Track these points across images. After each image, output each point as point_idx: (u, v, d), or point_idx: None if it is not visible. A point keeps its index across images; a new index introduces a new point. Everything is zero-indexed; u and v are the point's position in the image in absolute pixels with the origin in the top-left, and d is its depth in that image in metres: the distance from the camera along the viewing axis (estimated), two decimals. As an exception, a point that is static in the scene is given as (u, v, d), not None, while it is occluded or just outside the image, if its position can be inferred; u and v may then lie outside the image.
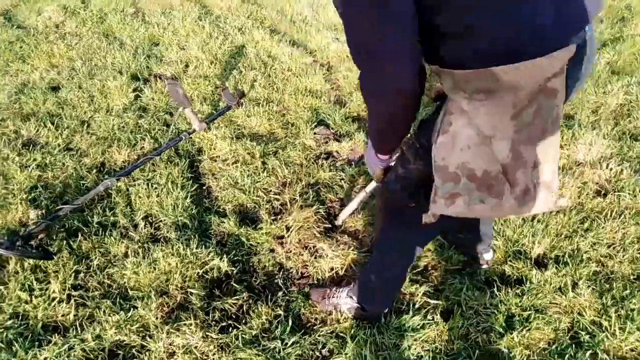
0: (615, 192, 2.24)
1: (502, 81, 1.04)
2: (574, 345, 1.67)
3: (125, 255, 2.02)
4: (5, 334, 1.69)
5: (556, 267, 1.91)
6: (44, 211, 2.20)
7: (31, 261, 1.94)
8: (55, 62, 3.47)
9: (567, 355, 1.62)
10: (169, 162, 2.50)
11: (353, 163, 2.53)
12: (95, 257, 1.98)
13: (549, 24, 1.03)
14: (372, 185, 1.94)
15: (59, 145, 2.62)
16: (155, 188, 2.33)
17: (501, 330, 1.71)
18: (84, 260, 1.98)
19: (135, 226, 2.16)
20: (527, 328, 1.70)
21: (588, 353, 1.62)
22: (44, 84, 3.19)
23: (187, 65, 3.43)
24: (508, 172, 1.14)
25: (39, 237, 2.06)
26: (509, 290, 1.83)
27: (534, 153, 1.12)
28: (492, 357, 1.65)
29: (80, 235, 2.08)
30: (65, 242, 2.05)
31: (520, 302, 1.79)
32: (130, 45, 3.69)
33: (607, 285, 1.85)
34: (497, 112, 1.09)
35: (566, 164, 2.42)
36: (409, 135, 1.35)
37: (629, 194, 2.21)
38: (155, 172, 2.44)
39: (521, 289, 1.83)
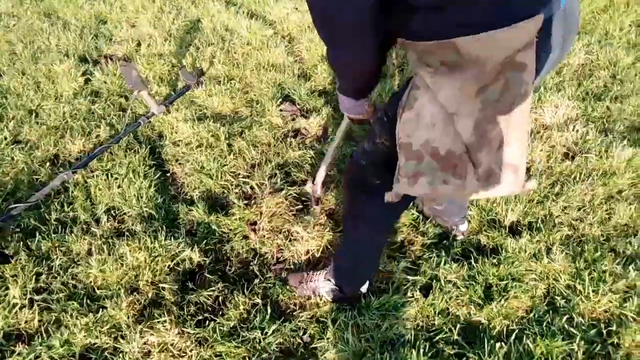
0: (582, 154, 2.27)
1: (465, 54, 0.98)
2: (550, 312, 1.69)
3: (89, 252, 1.90)
4: (-38, 348, 1.58)
5: (530, 234, 1.92)
6: (-6, 212, 2.05)
7: (-15, 267, 1.81)
8: (-8, 46, 3.19)
9: (544, 322, 1.65)
10: (128, 150, 2.36)
11: (322, 140, 2.46)
12: (57, 257, 1.87)
13: None
14: (339, 136, 1.80)
15: (5, 138, 2.43)
16: (116, 179, 2.20)
17: (480, 302, 1.72)
18: (44, 261, 1.86)
19: (97, 221, 2.04)
20: (505, 298, 1.71)
21: (565, 318, 1.66)
22: (-18, 71, 2.93)
23: (139, 44, 3.22)
24: (471, 152, 1.09)
25: (-8, 240, 1.92)
26: (486, 261, 1.83)
27: (500, 132, 1.07)
28: (472, 330, 1.66)
29: (38, 234, 1.94)
30: (22, 243, 1.91)
31: (497, 271, 1.80)
32: (75, 25, 3.43)
33: (579, 249, 1.88)
34: (460, 87, 1.04)
35: (534, 128, 2.43)
36: (378, 107, 1.30)
37: (595, 155, 2.24)
38: (114, 161, 2.30)
39: (497, 258, 1.84)
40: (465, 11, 0.99)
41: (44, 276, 1.82)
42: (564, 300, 1.72)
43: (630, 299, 1.69)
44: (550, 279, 1.79)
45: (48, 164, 2.30)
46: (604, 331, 1.62)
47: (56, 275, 1.83)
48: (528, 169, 2.22)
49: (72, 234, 1.95)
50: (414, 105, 1.11)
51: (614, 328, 1.63)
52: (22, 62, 3.00)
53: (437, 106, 1.08)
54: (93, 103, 2.69)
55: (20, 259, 1.85)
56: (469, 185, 1.14)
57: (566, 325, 1.63)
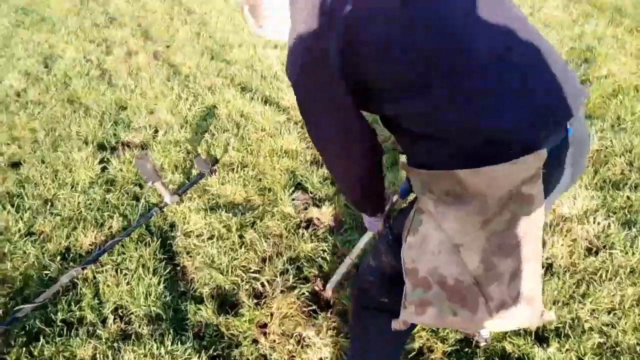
0: (606, 249, 2.18)
1: (467, 186, 0.97)
2: None
3: (93, 358, 1.82)
4: None
5: (558, 341, 1.80)
6: (1, 311, 2.00)
7: (-17, 377, 1.74)
8: (16, 134, 3.30)
9: None
10: (139, 242, 2.34)
11: (335, 231, 2.42)
12: (59, 364, 1.79)
13: (516, 126, 0.97)
14: (359, 246, 1.86)
15: (19, 230, 2.43)
16: (125, 274, 2.16)
17: (509, 422, 1.58)
18: (45, 370, 1.78)
19: (104, 321, 1.98)
20: (536, 417, 1.57)
21: None
22: (4, 160, 3.01)
23: (156, 131, 3.31)
24: (481, 284, 1.04)
25: (-5, 343, 1.86)
26: (512, 373, 1.71)
27: (510, 264, 1.03)
28: None
29: (42, 337, 1.88)
30: (24, 348, 1.85)
31: (525, 385, 1.67)
32: (96, 111, 3.56)
33: (615, 359, 1.75)
34: (465, 218, 1.02)
35: (552, 219, 2.36)
36: (383, 225, 1.28)
37: (620, 251, 2.15)
38: (124, 254, 2.27)
39: (525, 370, 1.72)
40: (464, 143, 0.99)
41: (44, 386, 1.74)
42: (602, 422, 1.57)
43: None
44: (584, 396, 1.65)
45: (59, 258, 2.28)
46: None
47: (57, 384, 1.74)
48: (550, 266, 2.13)
49: (77, 338, 1.88)
50: (419, 230, 1.09)
51: None
52: (43, 150, 3.09)
53: (443, 234, 1.05)
54: (108, 192, 2.71)
55: (22, 367, 1.78)
56: (480, 318, 1.07)
57: None
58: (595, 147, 2.89)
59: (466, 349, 1.83)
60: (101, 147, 3.15)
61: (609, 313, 1.92)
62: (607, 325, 1.88)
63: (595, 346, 1.79)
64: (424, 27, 0.97)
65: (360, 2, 0.99)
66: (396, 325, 1.18)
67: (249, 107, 3.53)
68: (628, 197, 2.48)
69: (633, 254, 2.12)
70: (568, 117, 1.00)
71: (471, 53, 0.97)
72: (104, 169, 2.93)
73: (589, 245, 2.24)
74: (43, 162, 2.98)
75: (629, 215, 2.38)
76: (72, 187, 2.76)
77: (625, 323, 1.86)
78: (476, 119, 0.97)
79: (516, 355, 1.80)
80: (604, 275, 2.05)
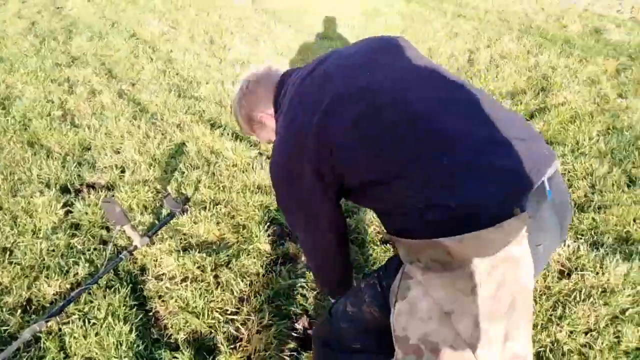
0: (578, 270, 2.24)
1: (454, 253, 0.98)
2: None
3: (59, 420, 1.69)
4: None
5: (541, 367, 1.81)
6: (-47, 374, 1.84)
7: None
8: (-29, 180, 3.14)
9: None
10: (108, 289, 2.23)
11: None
12: None
13: (498, 190, 1.01)
14: None
15: (-26, 283, 2.28)
16: (94, 324, 2.04)
17: None
18: None
19: (71, 378, 1.85)
20: None
21: None
22: (-42, 207, 2.84)
23: (123, 171, 3.22)
24: (475, 349, 1.02)
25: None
26: (499, 403, 1.69)
27: (502, 327, 1.02)
28: None
29: (1, 401, 1.73)
30: (-19, 414, 1.69)
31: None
32: (58, 153, 3.44)
33: (595, 381, 1.76)
34: (454, 285, 1.01)
35: (525, 244, 2.41)
36: (374, 274, 1.26)
37: (591, 271, 2.21)
38: (92, 303, 2.15)
39: (511, 399, 1.70)
40: (439, 212, 1.00)
41: None
42: None
43: None
44: (571, 421, 1.65)
45: (19, 311, 2.14)
46: None
47: None
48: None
49: (41, 398, 1.75)
50: (407, 296, 1.07)
51: None
52: (1, 196, 2.94)
53: (431, 302, 1.03)
54: (72, 237, 2.59)
55: None
56: None
57: None
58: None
59: None
60: (64, 190, 3.03)
61: (586, 334, 1.95)
62: (585, 346, 1.90)
63: (577, 369, 1.81)
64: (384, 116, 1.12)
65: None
66: None
67: (219, 144, 3.50)
68: (593, 219, 2.57)
69: (603, 274, 2.19)
70: (543, 174, 1.04)
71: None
72: (67, 213, 2.80)
73: (562, 268, 2.29)
74: (1, 208, 2.83)
75: (595, 237, 2.47)
76: (34, 234, 2.62)
77: (602, 343, 1.90)
78: (445, 194, 1.01)
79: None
80: (577, 296, 2.10)
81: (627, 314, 2.02)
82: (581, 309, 2.03)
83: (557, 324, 1.98)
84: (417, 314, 1.05)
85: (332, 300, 1.58)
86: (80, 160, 3.36)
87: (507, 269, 0.99)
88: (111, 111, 4.02)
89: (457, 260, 0.98)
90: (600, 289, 2.12)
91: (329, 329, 1.33)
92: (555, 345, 1.91)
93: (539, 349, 1.90)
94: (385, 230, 1.17)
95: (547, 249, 1.11)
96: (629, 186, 2.83)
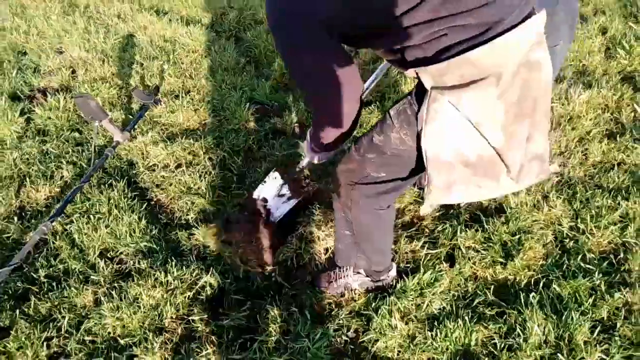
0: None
1: (480, 65, 1.02)
2: (565, 254, 1.82)
3: (97, 302, 1.76)
4: None
5: (527, 189, 2.04)
6: (-29, 284, 1.82)
7: (-18, 346, 1.61)
8: None
9: (563, 266, 1.77)
10: (103, 186, 2.18)
11: (302, 136, 2.43)
12: (62, 316, 1.70)
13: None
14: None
15: (-47, 200, 2.15)
16: (100, 218, 2.03)
17: (502, 260, 1.80)
18: (50, 324, 1.69)
19: (93, 267, 1.88)
20: (522, 250, 1.81)
21: (579, 257, 1.78)
22: None
23: (73, 71, 2.97)
24: (503, 154, 1.14)
25: (-23, 315, 1.71)
26: (495, 221, 1.92)
27: (526, 128, 1.12)
28: (503, 287, 1.75)
29: (32, 297, 1.76)
30: (16, 310, 1.72)
31: (508, 229, 1.89)
32: (-9, 61, 3.08)
33: (571, 191, 2.03)
34: (482, 97, 1.07)
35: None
36: (404, 99, 1.29)
37: (558, 102, 2.41)
38: (89, 201, 2.12)
39: (504, 216, 1.94)
40: (463, 31, 1.02)
41: (55, 340, 1.65)
42: (572, 241, 1.86)
43: (628, 227, 1.86)
44: (555, 225, 1.92)
45: (15, 219, 2.08)
46: (615, 261, 1.77)
47: (68, 335, 1.67)
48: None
49: (72, 288, 1.78)
50: (435, 119, 1.12)
51: (621, 255, 1.78)
52: (-57, 113, 2.66)
53: (460, 117, 1.10)
54: (44, 143, 2.45)
55: (20, 328, 1.67)
56: (503, 185, 1.19)
57: (582, 264, 1.76)
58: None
59: (451, 211, 2.02)
60: (15, 98, 2.78)
61: (560, 155, 2.19)
62: (560, 165, 2.15)
63: (555, 184, 2.06)
64: None
65: None
66: (424, 210, 1.26)
67: (170, 31, 3.25)
68: (554, 58, 2.73)
69: (569, 103, 2.39)
70: None
71: None
72: (28, 121, 2.61)
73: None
74: (-50, 125, 2.58)
75: (558, 72, 2.64)
76: (0, 146, 2.45)
77: (574, 161, 2.15)
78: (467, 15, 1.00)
79: (493, 206, 2.02)
80: (549, 126, 2.30)
81: (591, 134, 2.27)
82: (553, 136, 2.25)
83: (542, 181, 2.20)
84: (447, 133, 1.13)
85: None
86: (19, 66, 3.04)
87: (529, 73, 1.06)
88: (34, 9, 3.56)
89: (484, 72, 1.04)
90: (567, 117, 2.34)
91: (355, 164, 1.40)
92: (534, 169, 2.14)
93: (522, 174, 2.12)
94: (404, 67, 1.19)
95: (562, 49, 1.19)
96: (581, 23, 2.98)
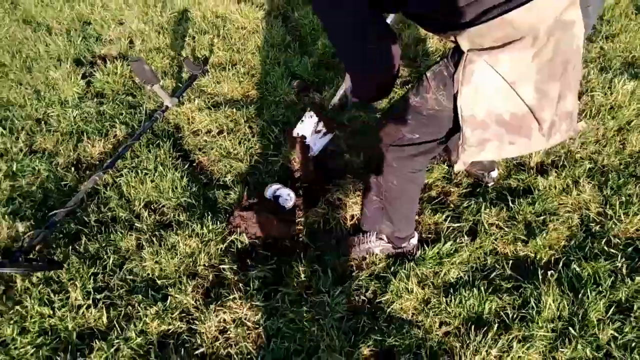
0: (588, 92, 2.40)
1: (518, 26, 1.07)
2: (589, 237, 1.82)
3: (139, 247, 1.93)
4: (39, 352, 1.60)
5: (556, 172, 2.05)
6: (32, 221, 2.04)
7: (40, 274, 1.82)
8: (-22, 61, 3.09)
9: (586, 247, 1.78)
10: (151, 145, 2.36)
11: (343, 110, 2.51)
12: (108, 257, 1.88)
13: None
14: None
15: (20, 150, 2.39)
16: (146, 173, 2.21)
17: (524, 238, 1.83)
18: (97, 262, 1.87)
19: (139, 217, 2.06)
20: (546, 231, 1.83)
21: (603, 241, 1.79)
22: (-24, 87, 2.85)
23: (131, 41, 3.18)
24: (535, 112, 1.18)
25: (37, 248, 1.91)
26: (522, 201, 1.95)
27: (558, 87, 1.16)
28: (522, 264, 1.78)
29: (83, 237, 1.95)
30: (69, 248, 1.92)
31: (533, 209, 1.92)
32: (59, 29, 3.35)
33: (603, 179, 2.01)
34: (518, 57, 1.12)
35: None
36: (440, 62, 1.33)
37: (600, 92, 2.37)
38: (139, 157, 2.30)
39: (531, 197, 1.96)
40: None
41: (100, 276, 1.84)
42: (599, 226, 1.86)
43: (658, 216, 1.84)
44: (583, 209, 1.92)
45: (72, 169, 2.29)
46: (641, 247, 1.77)
47: (112, 273, 1.85)
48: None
49: (117, 232, 1.96)
50: (471, 80, 1.18)
51: (649, 243, 1.77)
52: (15, 73, 2.92)
53: (496, 77, 1.15)
54: (101, 104, 2.66)
55: (72, 263, 1.86)
56: (534, 141, 1.24)
57: (606, 248, 1.77)
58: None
59: (477, 189, 2.05)
60: (78, 62, 3.02)
61: (596, 144, 2.17)
62: (595, 153, 2.13)
63: (587, 170, 2.05)
64: None
65: None
66: (458, 167, 1.33)
67: (222, 8, 3.40)
68: (601, 48, 2.67)
69: (612, 93, 2.35)
70: None
71: None
72: (88, 83, 2.83)
73: (572, 92, 2.45)
74: (20, 84, 2.84)
75: (604, 63, 2.59)
76: (62, 105, 2.68)
77: (610, 149, 2.12)
78: None
79: (522, 188, 2.04)
80: (588, 114, 2.28)
81: (632, 124, 2.23)
82: (591, 124, 2.22)
83: (570, 138, 2.18)
84: (482, 93, 1.18)
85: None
86: (84, 34, 3.28)
87: (563, 33, 1.10)
88: (100, -17, 3.80)
89: (521, 32, 1.08)
90: (608, 106, 2.30)
91: (391, 126, 1.47)
92: (568, 155, 2.13)
93: (554, 159, 2.13)
94: (444, 31, 1.22)
95: (594, 9, 1.21)
96: (636, 14, 2.89)
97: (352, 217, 2.00)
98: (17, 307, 1.72)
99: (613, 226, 1.84)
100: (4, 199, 2.13)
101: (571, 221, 1.87)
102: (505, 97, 1.17)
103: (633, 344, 1.50)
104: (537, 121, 1.21)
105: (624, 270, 1.68)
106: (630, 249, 1.76)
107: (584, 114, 2.28)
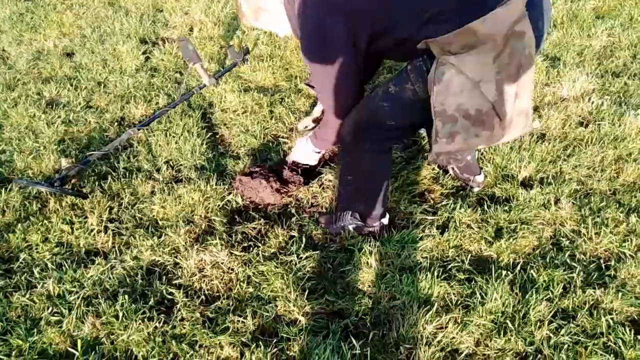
0: (596, 122, 2.44)
1: (479, 34, 1.29)
2: (555, 249, 1.89)
3: (152, 193, 2.23)
4: (54, 258, 1.92)
5: (540, 187, 2.12)
6: (73, 160, 2.41)
7: (68, 200, 2.16)
8: (65, 30, 3.63)
9: (548, 257, 1.85)
10: (183, 115, 2.69)
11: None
12: (125, 196, 2.20)
13: None
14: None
15: (79, 103, 2.82)
16: (173, 137, 2.53)
17: (490, 239, 1.93)
18: (115, 198, 2.20)
19: (158, 170, 2.37)
20: (514, 237, 1.92)
21: (567, 254, 1.85)
22: (59, 51, 3.36)
23: (191, 29, 3.59)
24: (496, 108, 1.38)
25: (72, 181, 2.27)
26: (498, 208, 2.04)
27: (514, 87, 1.37)
28: (482, 262, 1.88)
29: (109, 178, 2.29)
30: (96, 184, 2.26)
31: (508, 216, 2.01)
32: (135, 13, 3.84)
33: (586, 200, 2.06)
34: (480, 60, 1.34)
35: (551, 100, 2.61)
36: (419, 58, 1.53)
37: (608, 122, 2.40)
38: (171, 123, 2.64)
39: (509, 206, 2.05)
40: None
41: (115, 209, 2.15)
42: (569, 241, 1.92)
43: (630, 240, 1.87)
44: (557, 224, 1.99)
45: (115, 124, 2.67)
46: (603, 265, 1.81)
47: (125, 209, 2.16)
48: (544, 135, 2.41)
49: (138, 179, 2.28)
50: (442, 79, 1.40)
51: (612, 263, 1.81)
52: (92, 43, 3.41)
53: (463, 77, 1.37)
54: (152, 77, 3.05)
55: (96, 196, 2.19)
56: (495, 134, 1.44)
57: (568, 260, 1.83)
58: (602, 43, 3.06)
59: (461, 192, 2.17)
60: (143, 41, 3.46)
61: (589, 169, 2.21)
62: (586, 177, 2.18)
63: (572, 191, 2.11)
64: None
65: None
66: (431, 158, 1.53)
67: (276, 10, 3.74)
68: (625, 83, 2.69)
69: (620, 125, 2.38)
70: None
71: None
72: (147, 59, 3.25)
73: (581, 120, 2.50)
74: (93, 52, 3.32)
75: (622, 98, 2.61)
76: (121, 73, 3.10)
77: (602, 175, 2.16)
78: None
79: (503, 197, 2.14)
80: (590, 141, 2.33)
81: (632, 156, 2.25)
82: (590, 150, 2.27)
83: (565, 160, 2.25)
84: (451, 91, 1.39)
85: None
86: (154, 19, 3.74)
87: (516, 41, 1.31)
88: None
89: (482, 39, 1.30)
90: (612, 137, 2.34)
91: (369, 112, 1.67)
92: (558, 174, 2.20)
93: (543, 176, 2.20)
94: (416, 44, 1.44)
95: (543, 24, 1.41)
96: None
97: (338, 197, 2.19)
98: (45, 222, 2.07)
99: (582, 244, 1.89)
100: (57, 139, 2.54)
101: (542, 233, 1.95)
102: (471, 95, 1.37)
103: (565, 346, 1.56)
104: (498, 116, 1.39)
105: (578, 282, 1.74)
106: (592, 266, 1.81)
107: (584, 141, 2.33)
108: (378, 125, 1.64)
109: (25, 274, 1.86)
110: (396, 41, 1.47)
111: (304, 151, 1.94)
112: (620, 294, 1.70)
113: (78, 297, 1.75)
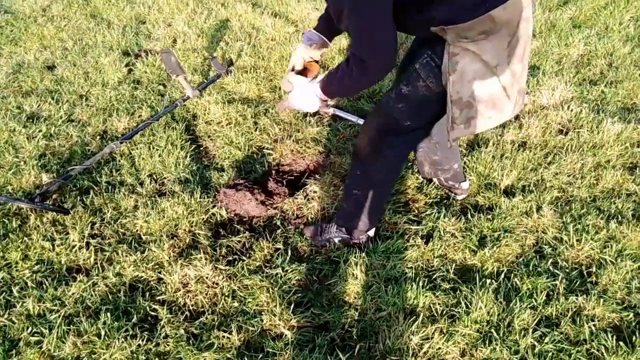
0: (575, 129, 2.48)
1: (499, 20, 1.35)
2: (538, 257, 1.91)
3: (135, 207, 2.21)
4: (34, 276, 1.89)
5: (522, 195, 2.15)
6: (54, 175, 2.38)
7: (49, 216, 2.13)
8: (46, 43, 3.59)
9: (531, 265, 1.87)
10: (167, 127, 2.68)
11: (336, 120, 2.73)
12: (108, 211, 2.17)
13: None
14: None
15: (61, 117, 2.78)
16: (157, 149, 2.51)
17: (474, 248, 1.95)
18: (97, 214, 2.17)
19: (142, 183, 2.35)
20: (498, 245, 1.94)
21: (550, 262, 1.87)
22: (39, 64, 3.32)
23: (174, 40, 3.58)
24: (507, 89, 1.47)
25: (53, 196, 2.24)
26: (481, 216, 2.06)
27: (521, 67, 1.47)
28: (467, 271, 1.89)
29: (91, 192, 2.26)
30: (78, 199, 2.23)
31: (491, 225, 2.03)
32: (117, 25, 3.82)
33: (567, 207, 2.10)
34: (498, 44, 1.40)
35: (532, 108, 2.65)
36: (425, 55, 1.54)
37: (587, 130, 2.45)
38: (154, 136, 2.62)
39: (492, 214, 2.07)
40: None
41: (97, 225, 2.12)
42: (551, 248, 1.94)
43: (610, 246, 1.90)
44: (539, 232, 2.01)
45: (98, 137, 2.64)
46: (585, 272, 1.83)
47: (107, 225, 2.13)
48: (525, 143, 2.45)
49: (121, 193, 2.26)
50: (456, 69, 1.43)
51: (593, 270, 1.84)
52: (73, 56, 3.38)
53: (478, 64, 1.42)
54: (135, 89, 3.03)
55: (77, 211, 2.16)
56: (506, 114, 1.53)
57: (551, 268, 1.85)
58: (579, 51, 3.13)
59: (445, 201, 2.19)
60: (125, 53, 3.44)
61: (570, 176, 2.25)
62: (567, 184, 2.21)
63: (553, 198, 2.14)
64: None
65: None
66: (450, 140, 1.56)
67: (259, 21, 3.76)
68: (602, 91, 2.75)
69: (598, 132, 2.43)
70: None
71: None
72: (130, 71, 3.23)
73: (561, 128, 2.54)
74: (74, 65, 3.29)
75: (600, 106, 2.67)
76: (103, 85, 3.08)
77: (582, 182, 2.20)
78: None
79: (486, 205, 2.16)
80: (570, 149, 2.37)
81: (610, 163, 2.29)
82: (570, 158, 2.31)
83: (546, 168, 2.28)
84: (466, 79, 1.43)
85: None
86: (137, 31, 3.72)
87: (524, 25, 1.39)
88: (161, -10, 4.29)
89: (499, 26, 1.35)
90: (591, 144, 2.38)
91: (384, 114, 1.67)
92: (539, 182, 2.23)
93: (525, 184, 2.23)
94: (434, 27, 1.41)
95: (533, 6, 1.50)
96: (648, 65, 2.95)
97: (323, 208, 2.19)
98: (26, 239, 2.03)
99: (564, 251, 1.92)
100: (38, 154, 2.50)
101: (525, 241, 1.97)
102: (483, 80, 1.43)
103: (550, 354, 1.58)
104: (508, 97, 1.49)
105: (561, 290, 1.76)
106: (574, 273, 1.83)
107: (564, 148, 2.37)
108: (395, 128, 1.66)
109: (4, 293, 1.82)
110: (417, 6, 1.43)
111: (306, 95, 1.75)
112: (602, 300, 1.72)
113: (59, 316, 1.72)
